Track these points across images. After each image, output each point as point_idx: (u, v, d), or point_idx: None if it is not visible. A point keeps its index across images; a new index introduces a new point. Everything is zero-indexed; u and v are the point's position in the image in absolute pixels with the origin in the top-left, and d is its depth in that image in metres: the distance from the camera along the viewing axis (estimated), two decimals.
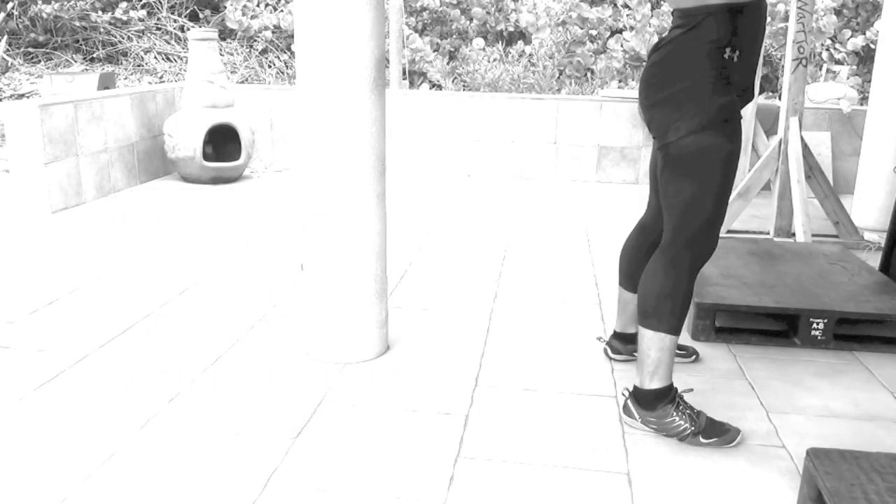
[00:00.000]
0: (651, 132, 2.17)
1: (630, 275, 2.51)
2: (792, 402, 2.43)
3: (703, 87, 1.98)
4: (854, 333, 2.88)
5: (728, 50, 1.96)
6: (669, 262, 2.11)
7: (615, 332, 2.69)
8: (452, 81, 7.60)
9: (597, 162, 6.09)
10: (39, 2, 8.16)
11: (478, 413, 2.31)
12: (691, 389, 2.27)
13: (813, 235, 4.16)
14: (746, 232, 4.45)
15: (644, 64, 2.18)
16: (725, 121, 2.00)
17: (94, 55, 8.35)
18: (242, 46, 8.17)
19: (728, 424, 2.18)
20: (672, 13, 2.10)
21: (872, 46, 7.26)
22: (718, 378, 2.59)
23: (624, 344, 2.66)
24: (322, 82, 2.41)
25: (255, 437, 2.14)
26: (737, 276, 3.13)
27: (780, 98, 6.35)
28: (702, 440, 2.13)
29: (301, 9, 2.40)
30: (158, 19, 8.41)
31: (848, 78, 7.08)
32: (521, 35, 8.09)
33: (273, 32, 8.10)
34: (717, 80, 1.98)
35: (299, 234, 2.77)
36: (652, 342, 2.13)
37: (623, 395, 2.30)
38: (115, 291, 3.29)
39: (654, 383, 2.16)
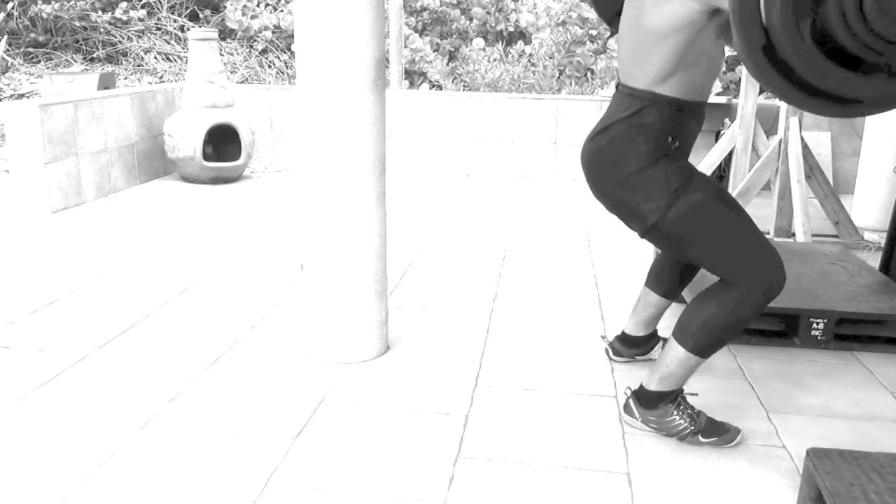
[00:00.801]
0: (621, 219, 2.13)
1: (662, 278, 2.49)
2: (792, 402, 2.43)
3: (655, 164, 2.00)
4: (854, 333, 2.88)
5: (670, 138, 2.01)
6: (739, 297, 1.99)
7: (623, 334, 2.66)
8: (452, 81, 7.60)
9: None
10: (39, 2, 8.16)
11: (478, 413, 2.31)
12: (696, 394, 2.26)
13: (813, 235, 4.16)
14: None
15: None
16: (687, 180, 1.99)
17: (94, 55, 8.35)
18: (242, 46, 8.18)
19: (728, 424, 2.18)
20: (616, 87, 2.11)
21: None
22: (718, 378, 2.59)
23: (627, 347, 2.65)
24: (322, 82, 2.41)
25: (255, 437, 2.14)
26: None
27: None
28: (702, 439, 2.13)
29: (301, 9, 2.40)
30: (158, 19, 8.42)
31: None
32: (521, 35, 8.09)
33: (273, 32, 8.10)
34: (662, 156, 2.01)
35: (299, 234, 2.77)
36: (678, 357, 2.09)
37: (625, 393, 2.30)
38: (115, 291, 3.29)
39: (660, 387, 2.15)
